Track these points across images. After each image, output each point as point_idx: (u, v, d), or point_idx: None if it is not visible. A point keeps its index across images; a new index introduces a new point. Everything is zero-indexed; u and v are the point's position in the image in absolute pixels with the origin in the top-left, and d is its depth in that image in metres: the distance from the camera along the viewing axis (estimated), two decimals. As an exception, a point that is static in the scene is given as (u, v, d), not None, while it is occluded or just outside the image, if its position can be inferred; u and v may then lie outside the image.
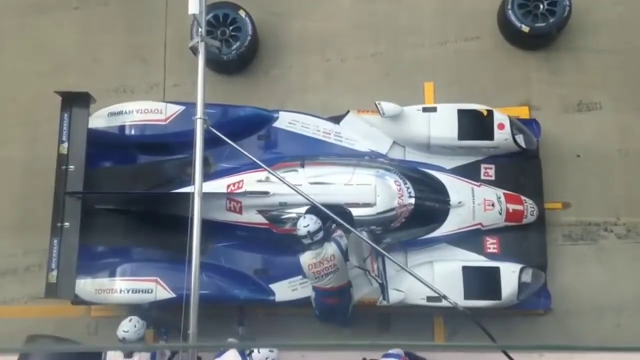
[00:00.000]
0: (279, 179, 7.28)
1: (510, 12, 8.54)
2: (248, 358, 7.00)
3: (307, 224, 7.17)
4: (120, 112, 7.96)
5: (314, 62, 8.94)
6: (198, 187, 6.69)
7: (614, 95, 8.70)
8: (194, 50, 7.12)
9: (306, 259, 7.26)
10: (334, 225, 7.33)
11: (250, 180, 7.69)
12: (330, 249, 7.22)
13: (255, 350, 6.98)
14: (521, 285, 7.55)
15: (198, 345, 6.16)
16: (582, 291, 8.15)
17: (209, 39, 7.07)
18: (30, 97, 8.90)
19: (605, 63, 8.77)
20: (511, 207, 7.86)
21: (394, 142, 8.06)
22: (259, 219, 7.71)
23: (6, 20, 9.16)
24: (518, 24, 8.53)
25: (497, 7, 8.80)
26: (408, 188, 7.68)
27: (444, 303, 7.32)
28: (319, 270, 7.24)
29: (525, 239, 7.94)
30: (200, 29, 6.99)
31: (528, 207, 7.90)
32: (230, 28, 8.58)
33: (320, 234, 7.19)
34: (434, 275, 7.51)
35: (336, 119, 8.13)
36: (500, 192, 7.92)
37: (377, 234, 7.60)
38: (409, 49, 8.90)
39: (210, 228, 7.59)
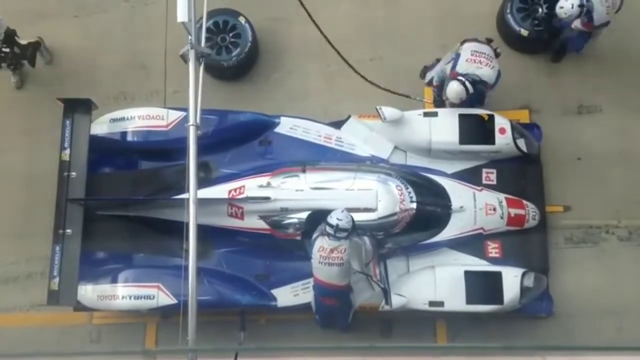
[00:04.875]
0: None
1: (509, 16, 8.58)
2: None
3: (341, 219, 6.92)
4: (122, 118, 7.97)
5: (314, 68, 8.95)
6: (192, 193, 6.64)
7: (614, 97, 8.72)
8: (185, 58, 7.02)
9: (321, 241, 7.02)
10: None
11: (252, 186, 7.69)
12: (347, 243, 7.02)
13: None
14: (523, 290, 7.54)
15: (197, 349, 6.14)
16: (583, 293, 8.16)
17: (199, 46, 6.99)
18: (30, 105, 8.91)
19: (604, 66, 8.79)
20: (513, 211, 7.86)
21: (395, 147, 8.06)
22: (261, 224, 7.70)
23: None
24: (517, 28, 8.56)
25: (496, 11, 8.83)
26: (410, 193, 7.67)
27: (446, 308, 7.33)
28: (327, 256, 6.99)
29: (527, 243, 7.95)
30: (190, 37, 6.88)
31: (530, 212, 7.91)
32: (230, 35, 8.60)
33: (344, 234, 6.96)
34: (436, 280, 7.52)
35: (337, 124, 8.14)
36: (502, 196, 7.92)
37: (378, 238, 7.58)
38: (408, 54, 8.90)
39: (212, 234, 7.61)
